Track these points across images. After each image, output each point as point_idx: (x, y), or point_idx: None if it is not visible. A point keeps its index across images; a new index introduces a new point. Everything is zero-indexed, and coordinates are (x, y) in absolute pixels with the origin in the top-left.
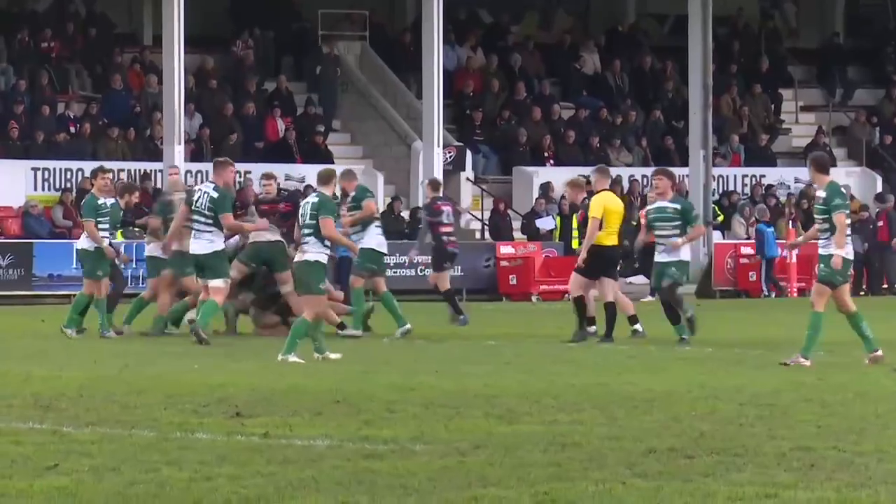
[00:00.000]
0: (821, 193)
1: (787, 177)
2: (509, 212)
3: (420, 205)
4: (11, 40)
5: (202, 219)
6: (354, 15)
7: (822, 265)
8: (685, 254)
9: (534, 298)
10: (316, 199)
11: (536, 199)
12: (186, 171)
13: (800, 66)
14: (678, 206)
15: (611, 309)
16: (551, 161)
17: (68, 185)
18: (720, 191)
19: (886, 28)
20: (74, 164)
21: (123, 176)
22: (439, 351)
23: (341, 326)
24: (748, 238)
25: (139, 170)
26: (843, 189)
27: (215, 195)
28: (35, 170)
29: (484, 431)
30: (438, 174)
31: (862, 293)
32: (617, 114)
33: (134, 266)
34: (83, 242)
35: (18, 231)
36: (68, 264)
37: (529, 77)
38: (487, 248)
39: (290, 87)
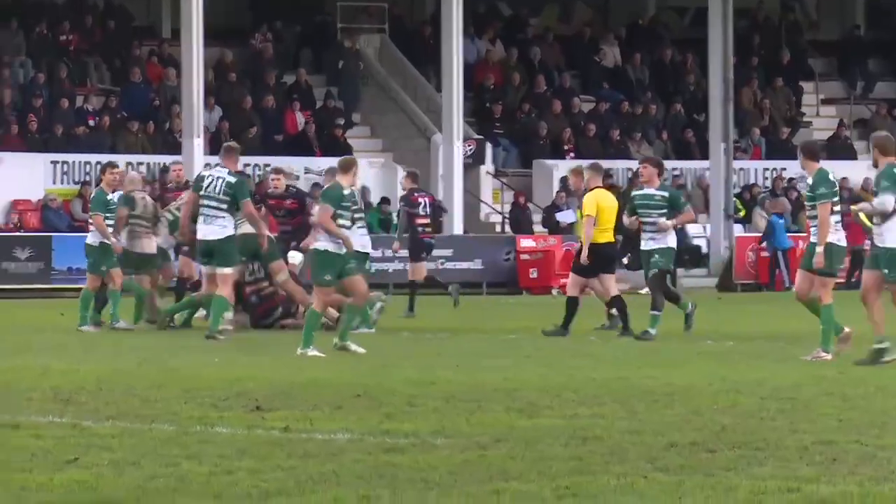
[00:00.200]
0: (809, 181)
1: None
2: (529, 205)
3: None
4: (30, 33)
5: (215, 203)
6: (373, 7)
7: (815, 258)
8: (671, 240)
9: (554, 292)
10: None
11: (557, 193)
12: (206, 164)
13: (820, 59)
14: (665, 194)
15: (618, 303)
16: (571, 154)
17: (87, 178)
18: (741, 184)
19: None
20: (93, 158)
21: (143, 169)
22: (459, 345)
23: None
24: None
25: (158, 163)
26: (831, 178)
27: (233, 180)
28: (54, 163)
29: (505, 425)
30: (458, 167)
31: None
32: (637, 107)
33: None
34: (89, 237)
35: (38, 224)
36: None
37: (549, 70)
38: (508, 242)
39: (309, 80)
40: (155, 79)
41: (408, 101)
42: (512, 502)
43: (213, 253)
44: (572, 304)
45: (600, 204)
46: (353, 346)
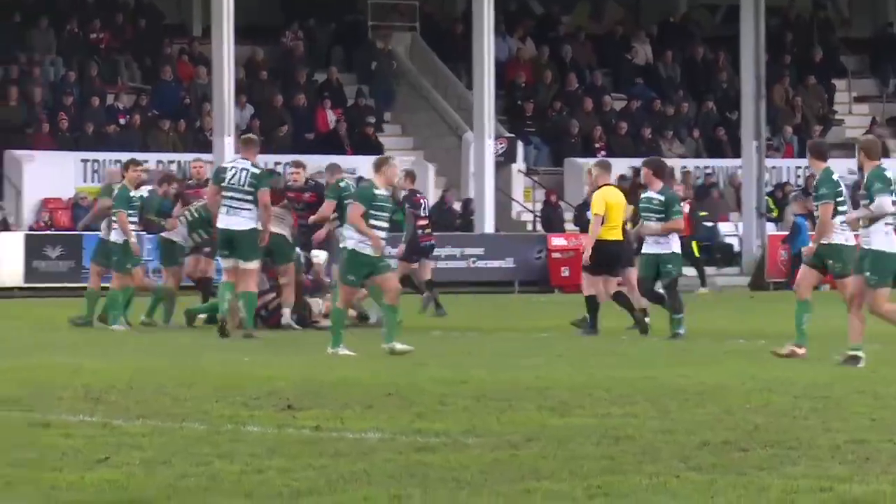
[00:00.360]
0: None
1: (840, 168)
2: (561, 203)
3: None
4: (61, 31)
5: (240, 195)
6: (404, 5)
7: (830, 262)
8: (675, 245)
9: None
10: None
11: (588, 191)
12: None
13: (853, 56)
14: (662, 198)
15: (622, 298)
16: (603, 152)
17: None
18: (773, 182)
19: None
20: (124, 156)
21: (174, 167)
22: (491, 344)
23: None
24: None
25: (189, 162)
26: (835, 178)
27: (257, 171)
28: (85, 161)
29: (536, 424)
30: (490, 166)
31: None
32: (669, 104)
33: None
34: (114, 235)
35: (68, 223)
36: None
37: (581, 68)
38: (539, 240)
39: (340, 78)
40: (186, 77)
41: (439, 100)
42: (543, 502)
43: (234, 244)
44: (592, 303)
45: (609, 201)
46: (399, 346)
